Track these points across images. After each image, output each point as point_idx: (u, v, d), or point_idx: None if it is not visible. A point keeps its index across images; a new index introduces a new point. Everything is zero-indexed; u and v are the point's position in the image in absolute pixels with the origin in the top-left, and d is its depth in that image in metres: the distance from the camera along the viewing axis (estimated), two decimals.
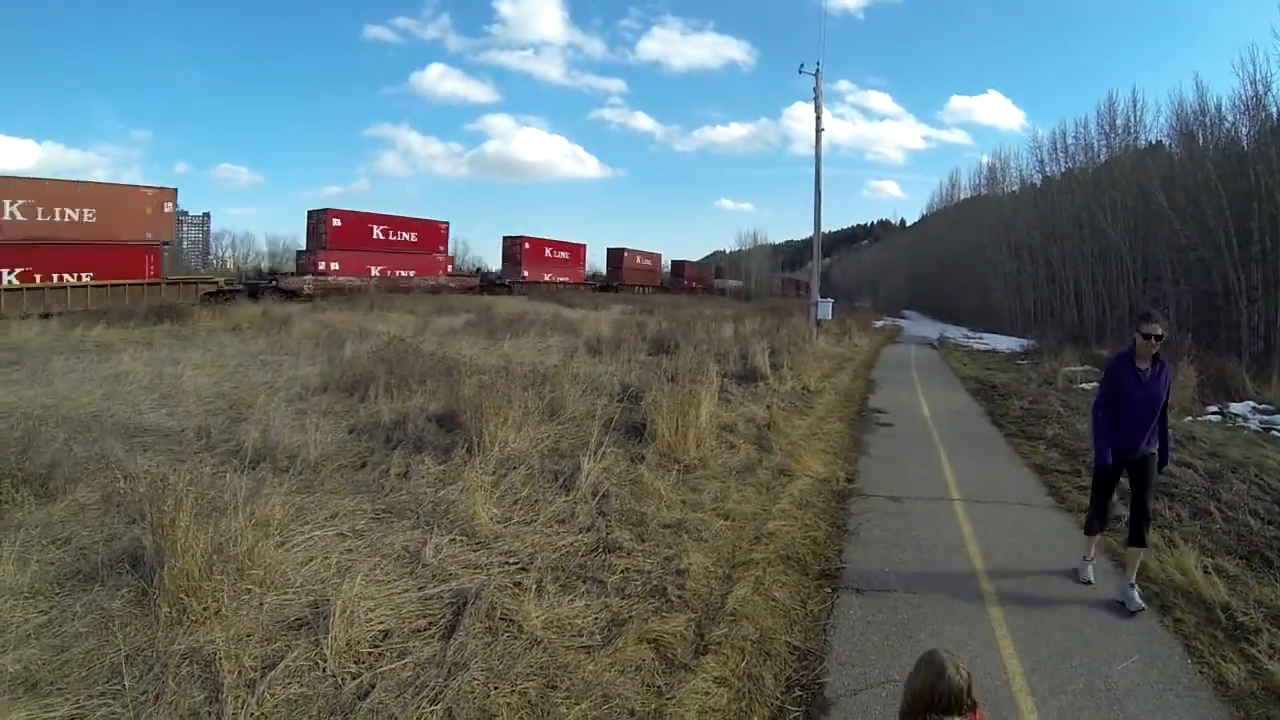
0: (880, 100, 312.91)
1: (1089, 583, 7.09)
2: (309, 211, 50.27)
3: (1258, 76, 31.33)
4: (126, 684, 4.26)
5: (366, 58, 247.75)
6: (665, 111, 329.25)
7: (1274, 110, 31.28)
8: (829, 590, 6.87)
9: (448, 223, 58.12)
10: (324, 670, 4.56)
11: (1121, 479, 7.31)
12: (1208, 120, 35.81)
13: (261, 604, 5.24)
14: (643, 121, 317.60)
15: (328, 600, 5.17)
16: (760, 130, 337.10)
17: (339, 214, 49.41)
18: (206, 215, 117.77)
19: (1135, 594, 6.60)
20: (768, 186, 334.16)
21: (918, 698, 2.79)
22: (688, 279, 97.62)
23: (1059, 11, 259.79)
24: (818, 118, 33.12)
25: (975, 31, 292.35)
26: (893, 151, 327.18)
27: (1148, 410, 6.82)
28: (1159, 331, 6.79)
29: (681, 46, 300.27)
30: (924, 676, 2.78)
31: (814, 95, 33.17)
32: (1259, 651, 5.70)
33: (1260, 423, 16.94)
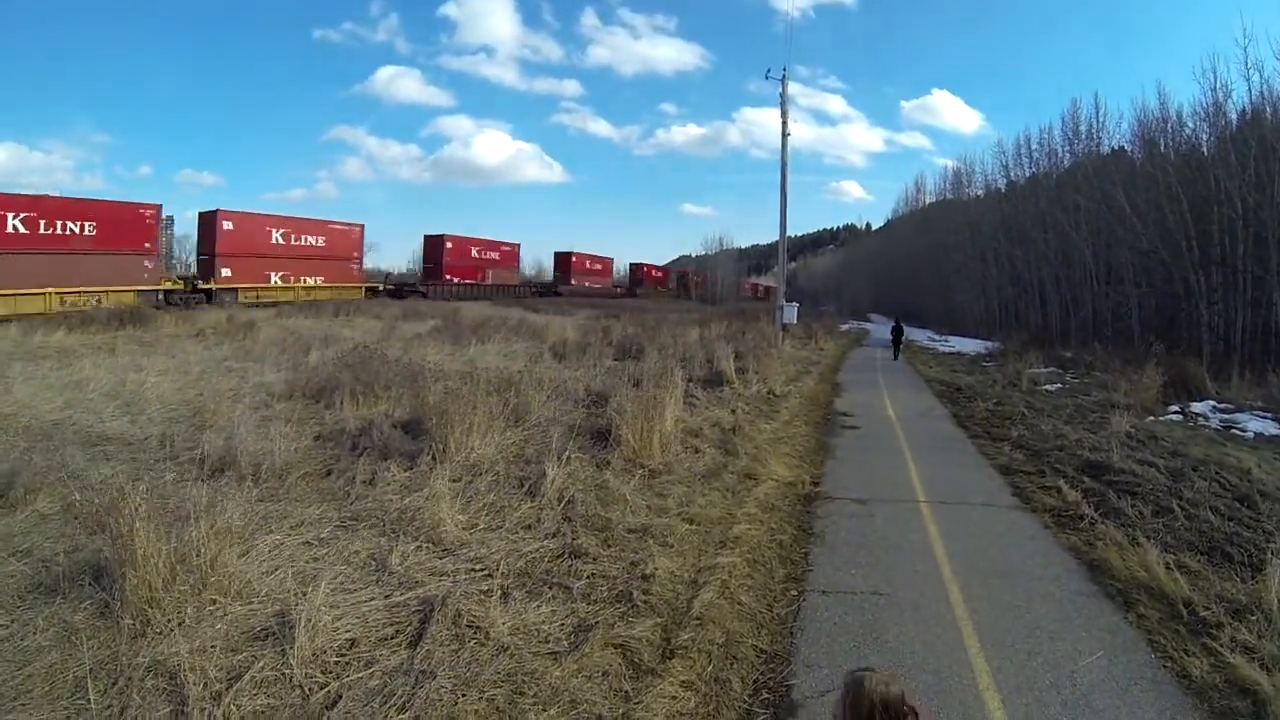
0: (835, 103, 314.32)
1: None
2: (199, 213, 46.90)
3: (1218, 84, 32.09)
4: (91, 698, 4.23)
5: (319, 61, 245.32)
6: (624, 115, 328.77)
7: (1234, 117, 32.05)
8: (795, 593, 6.94)
9: (362, 225, 55.46)
10: (290, 681, 4.54)
11: None
12: (1169, 127, 36.63)
13: (226, 614, 5.19)
14: (602, 126, 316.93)
15: (293, 610, 5.14)
16: (719, 133, 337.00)
17: (230, 215, 45.07)
18: (170, 219, 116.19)
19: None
20: (731, 191, 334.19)
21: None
22: (649, 280, 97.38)
23: (1016, 14, 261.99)
24: (784, 122, 33.43)
25: (929, 34, 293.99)
26: (853, 155, 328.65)
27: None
28: None
29: (637, 48, 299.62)
30: (868, 697, 2.58)
31: (779, 100, 33.44)
32: (1221, 645, 5.83)
33: (1221, 421, 17.27)
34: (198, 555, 5.45)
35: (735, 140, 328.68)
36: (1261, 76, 30.08)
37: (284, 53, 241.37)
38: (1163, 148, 36.46)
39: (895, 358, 36.02)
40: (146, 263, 37.64)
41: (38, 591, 5.51)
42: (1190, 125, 35.06)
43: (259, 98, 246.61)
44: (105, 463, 8.94)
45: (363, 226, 55.72)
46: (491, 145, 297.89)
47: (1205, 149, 33.38)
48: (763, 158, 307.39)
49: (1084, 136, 44.94)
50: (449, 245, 64.55)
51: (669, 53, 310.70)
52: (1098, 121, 43.87)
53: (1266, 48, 45.73)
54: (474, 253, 68.21)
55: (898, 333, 38.53)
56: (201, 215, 46.34)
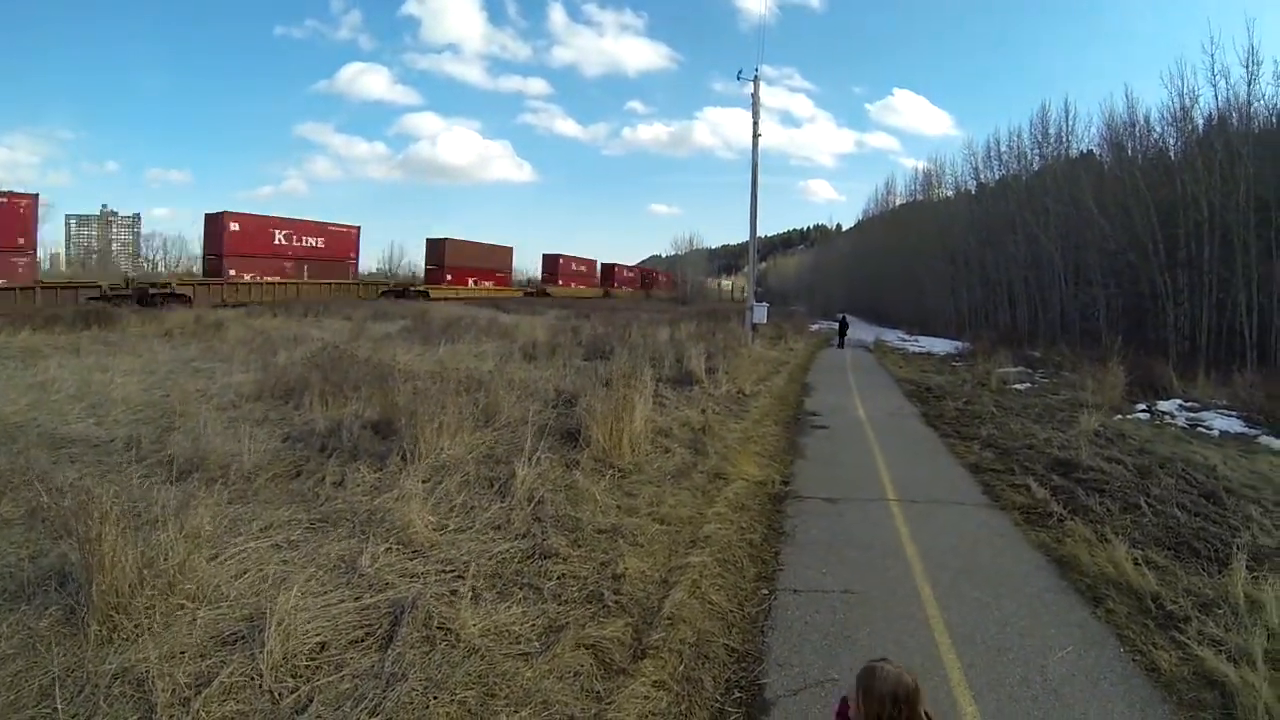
0: (802, 103, 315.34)
1: None
2: (205, 215, 47.76)
3: (1185, 90, 32.58)
4: (58, 706, 4.18)
5: (284, 58, 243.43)
6: (591, 113, 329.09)
7: (1200, 122, 32.57)
8: (766, 592, 6.98)
9: (359, 227, 56.49)
10: (260, 685, 4.51)
11: None
12: (1137, 131, 37.20)
13: (194, 619, 5.15)
14: (569, 126, 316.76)
15: (263, 613, 5.11)
16: (686, 133, 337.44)
17: (237, 217, 46.23)
18: (136, 216, 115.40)
19: None
20: (698, 190, 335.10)
21: (880, 714, 2.67)
22: (618, 281, 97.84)
23: (981, 14, 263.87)
24: (755, 123, 33.53)
25: (896, 35, 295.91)
26: (822, 155, 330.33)
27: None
28: None
29: (604, 46, 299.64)
30: (879, 691, 2.68)
31: (750, 100, 33.55)
32: (1188, 638, 5.95)
33: (1187, 419, 17.58)
34: (166, 559, 5.42)
35: (702, 140, 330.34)
36: (1228, 83, 30.64)
37: (248, 49, 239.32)
38: (1130, 151, 37.03)
39: (840, 346, 42.58)
40: (18, 259, 33.34)
41: (1, 598, 5.44)
42: (1158, 129, 35.75)
43: (224, 95, 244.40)
44: (70, 465, 8.83)
45: (359, 228, 56.22)
46: (460, 143, 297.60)
47: (1172, 153, 33.99)
48: (730, 158, 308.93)
49: (1053, 139, 45.30)
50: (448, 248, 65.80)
51: (636, 51, 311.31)
52: (1067, 125, 44.23)
53: (1233, 55, 46.24)
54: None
55: (844, 326, 46.70)
56: (208, 217, 47.13)
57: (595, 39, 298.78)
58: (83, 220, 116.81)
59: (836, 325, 49.48)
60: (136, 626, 4.95)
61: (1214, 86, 31.33)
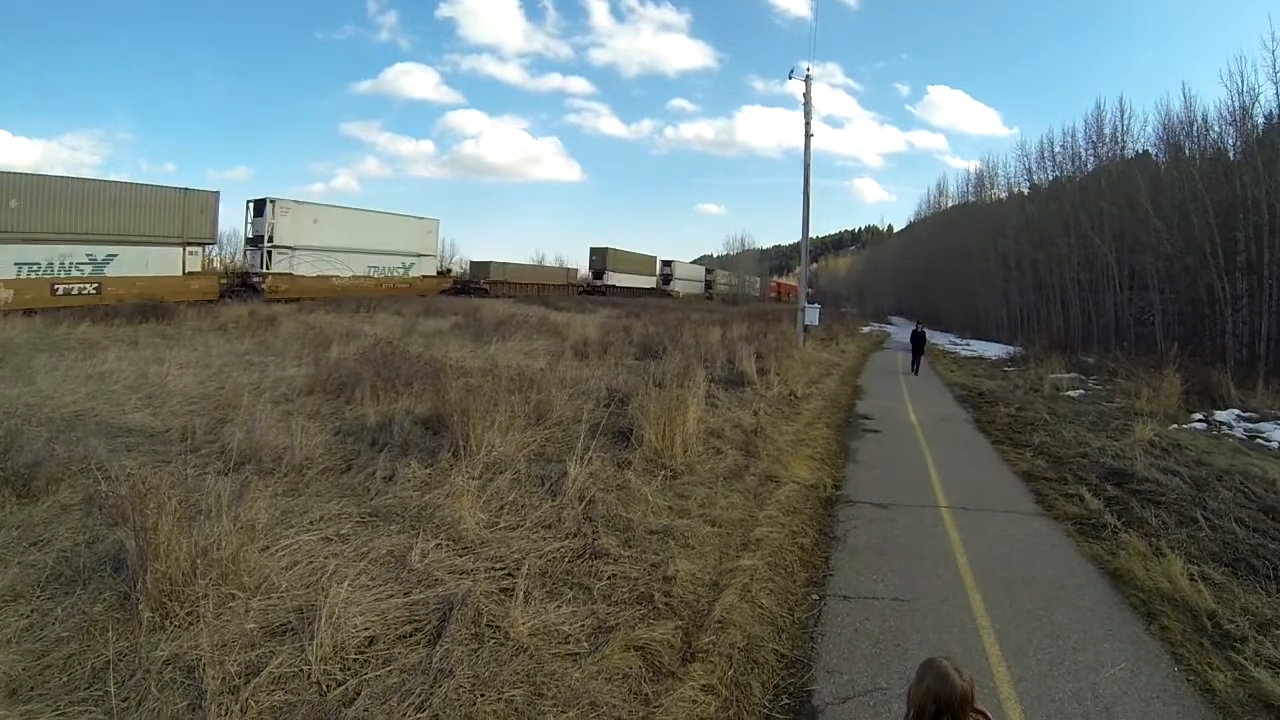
0: (847, 103, 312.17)
1: None
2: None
3: (1245, 88, 31.59)
4: (110, 689, 4.20)
5: (328, 60, 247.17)
6: (634, 113, 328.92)
7: (1260, 121, 31.56)
8: (817, 597, 6.88)
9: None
10: (309, 677, 4.51)
11: None
12: (1195, 130, 36.08)
13: (246, 609, 5.18)
14: (614, 124, 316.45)
15: (313, 606, 5.13)
16: (730, 133, 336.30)
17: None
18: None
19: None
20: (746, 192, 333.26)
21: (922, 708, 2.76)
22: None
23: (1030, 12, 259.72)
24: (807, 123, 33.30)
25: (939, 31, 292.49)
26: (868, 155, 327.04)
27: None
28: None
29: (644, 44, 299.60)
30: (926, 685, 2.76)
31: (802, 100, 33.33)
32: (1245, 659, 5.74)
33: (1245, 430, 17.08)
34: (219, 549, 5.45)
35: (747, 139, 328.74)
36: None
37: (292, 51, 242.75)
38: (1187, 151, 36.06)
39: (915, 370, 29.41)
40: None
41: (58, 582, 5.53)
42: (1216, 128, 34.66)
43: (273, 96, 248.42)
44: (127, 454, 8.96)
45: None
46: (507, 141, 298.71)
47: (1231, 153, 32.96)
48: (775, 158, 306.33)
49: (1108, 139, 44.50)
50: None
51: (677, 49, 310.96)
52: (1122, 124, 43.42)
53: None
54: None
55: (919, 340, 30.35)
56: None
57: (636, 37, 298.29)
58: None
59: (889, 329, 47.49)
60: (189, 614, 4.99)
61: (1275, 84, 30.38)
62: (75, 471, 7.93)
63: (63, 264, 30.66)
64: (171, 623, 4.92)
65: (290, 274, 41.72)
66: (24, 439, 8.41)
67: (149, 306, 26.69)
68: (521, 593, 5.85)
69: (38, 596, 5.32)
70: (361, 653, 4.86)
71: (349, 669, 4.67)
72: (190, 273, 35.61)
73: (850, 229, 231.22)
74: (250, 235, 43.01)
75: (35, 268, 29.86)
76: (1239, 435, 16.65)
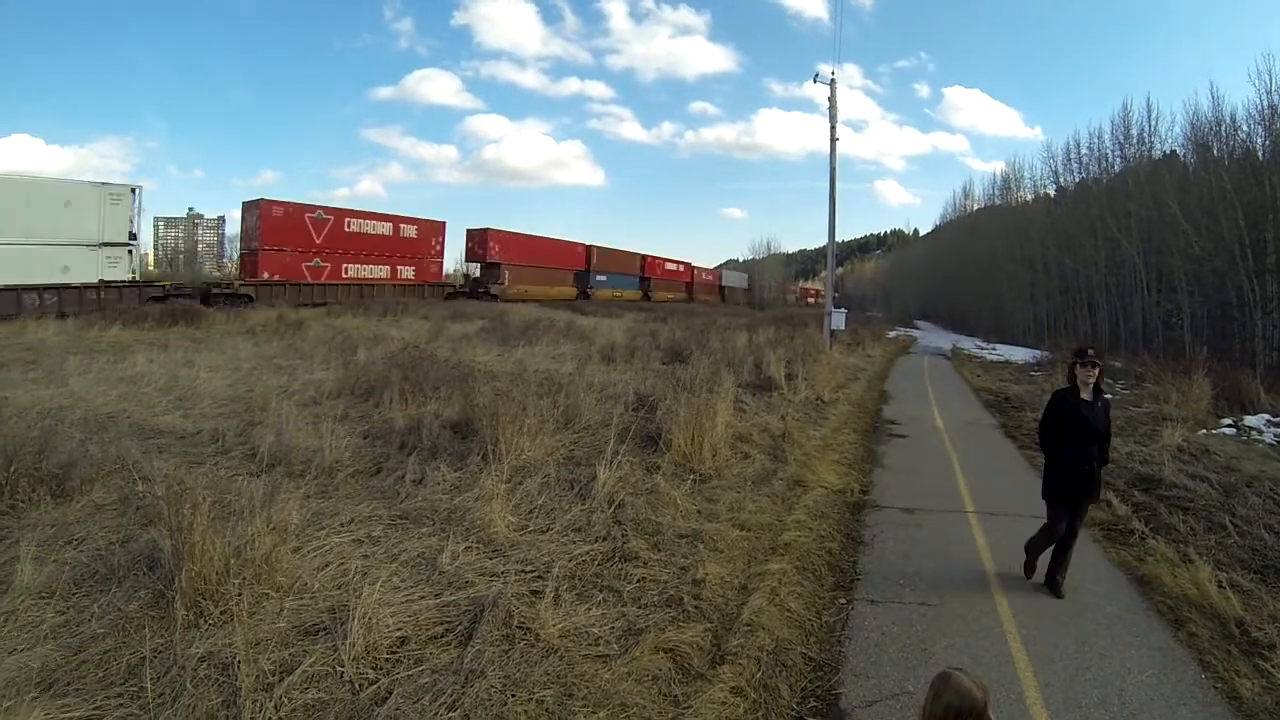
0: (864, 103, 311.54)
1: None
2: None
3: (1274, 87, 30.90)
4: (146, 685, 4.25)
5: (348, 68, 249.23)
6: (654, 116, 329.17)
7: None
8: (844, 601, 6.88)
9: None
10: (342, 676, 4.55)
11: None
12: (1223, 130, 35.39)
13: (280, 609, 5.24)
14: (635, 129, 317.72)
15: (345, 606, 5.18)
16: (753, 138, 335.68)
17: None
18: (221, 219, 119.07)
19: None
20: (769, 197, 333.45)
21: None
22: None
23: (1056, 13, 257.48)
24: (832, 126, 33.22)
25: (962, 33, 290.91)
26: (890, 158, 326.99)
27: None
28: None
29: (662, 48, 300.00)
30: (946, 702, 2.70)
31: (828, 105, 33.28)
32: (1273, 666, 5.71)
33: (1275, 435, 16.81)
34: (253, 549, 5.51)
35: (768, 143, 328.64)
36: None
37: (315, 57, 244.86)
38: (1216, 152, 35.38)
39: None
40: None
41: (93, 580, 5.60)
42: (1245, 128, 33.94)
43: (296, 103, 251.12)
44: (159, 455, 9.04)
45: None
46: (530, 146, 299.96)
47: (1260, 153, 32.35)
48: (797, 162, 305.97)
49: (1135, 140, 43.79)
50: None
51: (697, 52, 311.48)
52: (1149, 125, 42.69)
53: None
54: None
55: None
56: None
57: (654, 40, 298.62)
58: (170, 222, 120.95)
59: (915, 334, 46.45)
60: (223, 613, 5.04)
61: None
62: (108, 472, 8.02)
63: None
64: (206, 621, 4.98)
65: None
66: (58, 440, 8.52)
67: (179, 310, 26.92)
68: (552, 595, 5.88)
69: (73, 593, 5.38)
70: (393, 653, 4.89)
71: (381, 668, 4.70)
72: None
73: (875, 233, 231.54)
74: None
75: None
76: (1269, 441, 16.38)
